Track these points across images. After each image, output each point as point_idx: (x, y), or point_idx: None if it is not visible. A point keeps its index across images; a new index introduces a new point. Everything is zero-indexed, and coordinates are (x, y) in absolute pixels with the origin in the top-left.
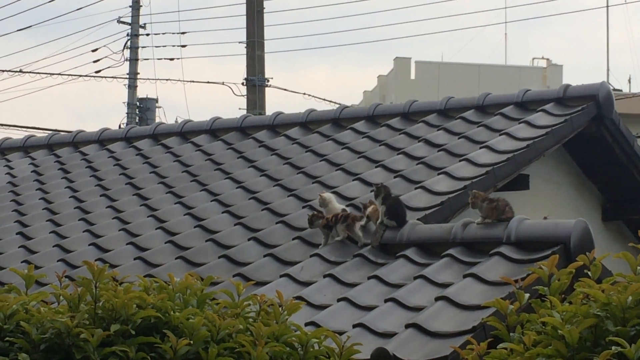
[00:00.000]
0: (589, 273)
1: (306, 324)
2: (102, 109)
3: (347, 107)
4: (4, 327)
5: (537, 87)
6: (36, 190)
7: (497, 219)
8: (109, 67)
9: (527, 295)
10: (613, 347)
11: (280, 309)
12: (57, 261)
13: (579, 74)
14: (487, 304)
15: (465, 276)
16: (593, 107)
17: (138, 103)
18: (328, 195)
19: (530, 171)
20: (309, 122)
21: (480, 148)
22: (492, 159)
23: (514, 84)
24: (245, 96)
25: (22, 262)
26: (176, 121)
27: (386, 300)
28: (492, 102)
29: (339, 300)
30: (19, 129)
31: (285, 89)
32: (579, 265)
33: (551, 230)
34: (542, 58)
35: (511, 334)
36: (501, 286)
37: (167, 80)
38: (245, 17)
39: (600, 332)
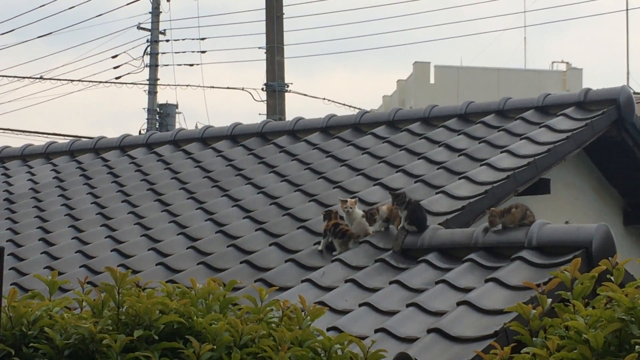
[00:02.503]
0: (612, 277)
1: (328, 329)
2: (122, 115)
3: (367, 112)
4: (28, 333)
5: (557, 91)
6: (58, 196)
7: (519, 224)
8: (129, 74)
9: (549, 299)
10: (637, 347)
11: (303, 314)
12: (80, 267)
13: (598, 78)
14: (510, 308)
15: (486, 281)
16: (614, 111)
17: (158, 109)
18: (350, 201)
19: (551, 175)
20: (330, 128)
21: (501, 152)
22: (513, 164)
23: (534, 88)
24: (265, 102)
25: (44, 268)
26: (196, 127)
27: (408, 305)
28: (513, 107)
29: (360, 305)
30: (40, 135)
31: (305, 94)
32: (602, 269)
33: (573, 235)
34: (562, 62)
35: (534, 338)
36: (523, 291)
37: (187, 86)
38: (264, 22)
39: (625, 337)
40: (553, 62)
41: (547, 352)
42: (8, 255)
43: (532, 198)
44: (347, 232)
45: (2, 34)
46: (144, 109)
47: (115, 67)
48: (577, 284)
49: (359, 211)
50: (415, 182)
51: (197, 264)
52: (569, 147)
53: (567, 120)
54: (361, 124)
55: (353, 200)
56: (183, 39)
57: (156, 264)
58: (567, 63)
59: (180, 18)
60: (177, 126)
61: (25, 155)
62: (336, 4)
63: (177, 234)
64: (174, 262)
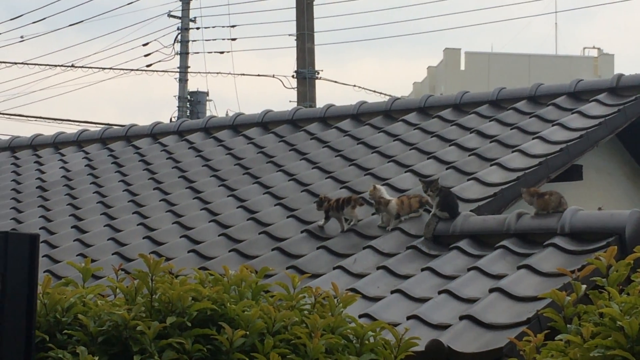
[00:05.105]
0: None
1: (360, 316)
2: (153, 103)
3: (398, 98)
4: (62, 320)
5: (588, 77)
6: (90, 184)
7: (553, 211)
8: (159, 61)
9: (584, 286)
10: None
11: (335, 301)
12: (112, 254)
13: (630, 63)
14: (544, 295)
15: (519, 267)
16: None
17: (189, 97)
18: (379, 187)
19: (583, 162)
20: (360, 114)
21: (533, 139)
22: (545, 150)
23: (565, 74)
24: (296, 89)
25: (77, 255)
26: (227, 114)
27: (440, 292)
28: (544, 93)
29: (392, 292)
30: (72, 123)
31: (335, 81)
32: (637, 256)
33: (606, 221)
34: (593, 47)
35: (568, 325)
36: (556, 277)
37: (217, 73)
38: (295, 9)
39: None
40: (584, 48)
41: (581, 339)
42: (41, 242)
43: (564, 184)
44: (346, 200)
45: (33, 23)
46: (174, 96)
47: (146, 55)
48: (613, 271)
49: (388, 197)
50: (447, 168)
51: (229, 251)
52: (602, 133)
53: (600, 106)
54: (392, 111)
55: (382, 187)
56: (213, 27)
57: (188, 251)
58: (599, 49)
59: (211, 5)
60: (208, 114)
61: (57, 143)
62: None
63: (209, 221)
64: (206, 249)
